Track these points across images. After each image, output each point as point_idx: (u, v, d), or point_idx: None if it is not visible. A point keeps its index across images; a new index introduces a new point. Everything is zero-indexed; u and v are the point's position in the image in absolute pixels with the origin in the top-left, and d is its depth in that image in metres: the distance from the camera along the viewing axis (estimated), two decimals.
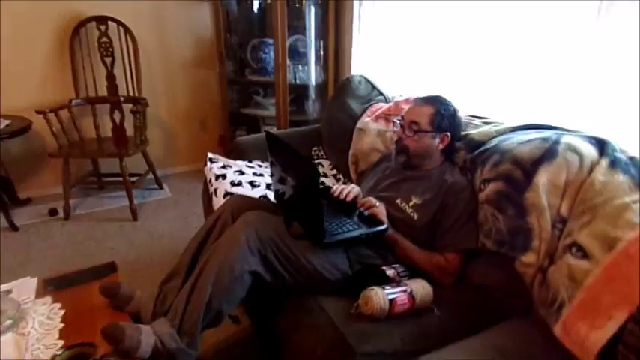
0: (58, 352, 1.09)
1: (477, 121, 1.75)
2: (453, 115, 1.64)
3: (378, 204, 1.55)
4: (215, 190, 1.92)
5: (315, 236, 1.42)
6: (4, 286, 1.50)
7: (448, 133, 1.63)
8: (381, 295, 1.29)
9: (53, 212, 2.95)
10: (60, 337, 1.28)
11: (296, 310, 1.41)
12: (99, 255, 2.49)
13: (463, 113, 1.74)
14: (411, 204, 1.57)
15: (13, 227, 2.78)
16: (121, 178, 2.86)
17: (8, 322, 1.33)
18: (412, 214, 1.56)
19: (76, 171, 3.07)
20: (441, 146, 1.64)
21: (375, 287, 1.32)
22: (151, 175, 3.28)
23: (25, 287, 1.50)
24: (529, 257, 1.35)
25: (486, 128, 1.67)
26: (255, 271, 1.35)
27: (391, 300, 1.30)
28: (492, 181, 1.48)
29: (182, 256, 1.54)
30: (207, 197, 1.97)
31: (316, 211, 1.41)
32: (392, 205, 1.59)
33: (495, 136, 1.59)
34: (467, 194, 1.54)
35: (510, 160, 1.44)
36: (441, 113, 1.61)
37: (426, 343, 1.26)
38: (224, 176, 1.99)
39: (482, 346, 1.24)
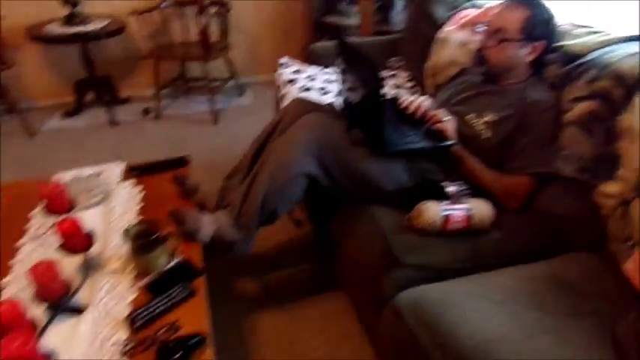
0: (131, 226, 1.22)
1: (578, 30, 1.50)
2: (547, 21, 1.43)
3: (447, 118, 1.45)
4: (284, 95, 1.92)
5: (376, 144, 1.38)
6: (98, 168, 1.68)
7: (540, 43, 1.43)
8: (435, 210, 1.25)
9: (146, 111, 3.20)
10: (137, 215, 1.43)
11: (349, 218, 1.42)
12: (180, 152, 2.68)
13: (562, 19, 1.50)
14: (483, 120, 1.45)
15: (114, 122, 3.07)
16: (204, 82, 2.98)
17: (97, 198, 1.51)
18: (483, 132, 1.44)
19: (165, 74, 3.24)
20: (529, 58, 1.45)
21: (430, 202, 1.28)
22: (233, 82, 3.37)
23: (113, 171, 1.67)
24: (612, 187, 1.21)
25: (588, 38, 1.44)
26: (310, 173, 1.36)
27: (445, 216, 1.25)
28: (584, 99, 1.30)
29: (245, 154, 1.59)
30: (277, 103, 1.98)
31: (380, 119, 1.36)
32: (462, 121, 1.48)
33: (597, 48, 1.37)
34: (550, 114, 1.38)
35: (611, 75, 1.24)
36: (533, 19, 1.40)
37: (478, 263, 1.23)
38: (294, 81, 1.97)
39: (540, 275, 1.18)
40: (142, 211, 1.46)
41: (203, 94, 3.25)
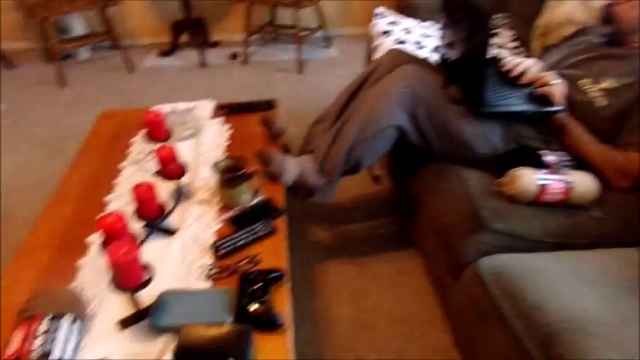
0: (220, 160, 1.27)
1: None
2: None
3: (556, 82, 1.32)
4: (377, 46, 1.86)
5: (473, 103, 1.30)
6: (190, 104, 1.76)
7: None
8: (530, 178, 1.17)
9: (234, 56, 3.27)
10: (225, 151, 1.48)
11: (434, 176, 1.37)
12: (264, 97, 2.73)
13: None
14: (600, 87, 1.30)
15: (203, 64, 3.18)
16: (293, 31, 2.96)
17: (189, 131, 1.58)
18: (598, 100, 1.30)
19: (255, 20, 3.26)
20: None
21: (525, 168, 1.19)
22: (321, 33, 3.32)
23: (205, 107, 1.74)
24: None
25: None
26: (401, 127, 1.32)
27: (542, 186, 1.17)
28: None
29: (334, 102, 1.57)
30: (368, 54, 1.92)
31: (480, 76, 1.27)
32: (574, 86, 1.34)
33: None
34: None
35: None
36: None
37: (572, 239, 1.14)
38: (389, 33, 1.89)
39: None
40: (229, 148, 1.51)
41: (290, 43, 3.24)
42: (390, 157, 1.68)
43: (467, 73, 1.34)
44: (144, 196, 1.11)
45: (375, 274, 1.64)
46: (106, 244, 0.99)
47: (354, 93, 1.53)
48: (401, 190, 1.69)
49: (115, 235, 0.96)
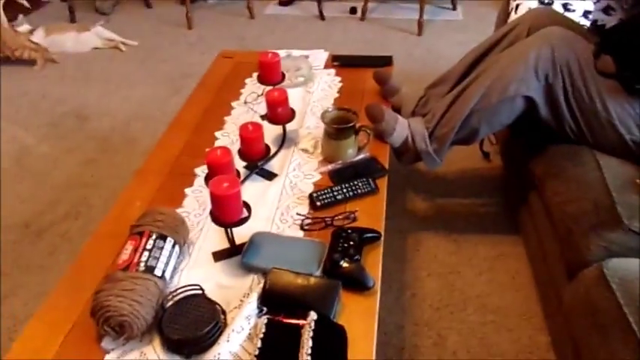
0: (329, 110, 1.23)
1: None
2: None
3: None
4: (517, 5, 1.65)
5: (629, 78, 1.10)
6: (305, 52, 1.73)
7: None
8: None
9: (353, 10, 3.17)
10: (334, 103, 1.44)
11: (563, 158, 1.20)
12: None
13: None
14: None
15: (322, 16, 3.13)
16: None
17: (301, 79, 1.55)
18: None
19: None
20: None
21: None
22: None
23: (318, 57, 1.70)
24: None
25: None
26: (531, 98, 1.17)
27: None
28: None
29: (457, 64, 1.44)
30: (504, 15, 1.72)
31: None
32: None
33: None
34: None
35: None
36: None
37: None
38: None
39: None
40: (339, 100, 1.46)
41: (412, 2, 3.05)
42: (507, 132, 1.51)
43: (627, 43, 1.13)
44: (249, 136, 1.11)
45: (470, 255, 1.53)
46: (209, 177, 1.01)
47: (481, 56, 1.38)
48: (514, 169, 1.53)
49: (219, 169, 0.98)
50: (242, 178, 1.15)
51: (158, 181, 1.18)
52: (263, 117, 1.33)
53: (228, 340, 0.80)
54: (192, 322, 0.81)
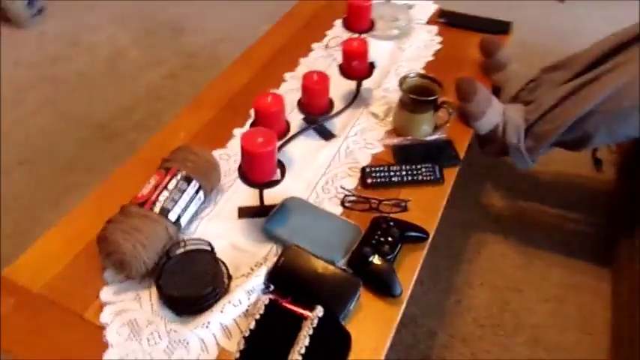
0: (411, 76, 1.04)
1: None
2: None
3: None
4: None
5: None
6: (410, 1, 1.50)
7: None
8: None
9: None
10: (423, 67, 1.24)
11: None
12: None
13: None
14: None
15: None
16: None
17: (395, 31, 1.35)
18: None
19: None
20: None
21: None
22: None
23: (423, 9, 1.47)
24: None
25: None
26: None
27: None
28: None
29: (590, 47, 1.15)
30: None
31: None
32: None
33: None
34: None
35: None
36: None
37: None
38: None
39: None
40: (431, 65, 1.25)
41: None
42: (632, 145, 1.22)
43: None
44: (312, 87, 0.97)
45: (539, 275, 1.31)
46: (254, 123, 0.91)
47: (624, 44, 1.08)
48: (629, 189, 1.25)
49: (265, 119, 0.87)
50: (296, 131, 1.03)
51: (210, 114, 1.10)
52: (339, 67, 1.17)
53: (222, 311, 0.72)
54: (192, 280, 0.74)
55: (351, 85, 1.13)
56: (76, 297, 0.76)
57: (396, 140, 1.04)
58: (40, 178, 1.59)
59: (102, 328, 0.73)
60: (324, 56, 1.29)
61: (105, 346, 0.70)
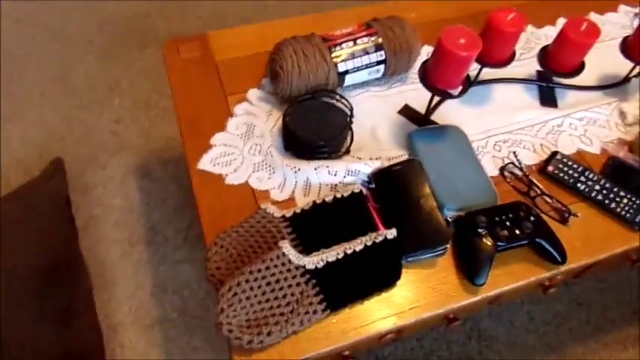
0: None
1: None
2: None
3: None
4: None
5: None
6: None
7: None
8: None
9: None
10: None
11: None
12: None
13: None
14: None
15: None
16: None
17: None
18: None
19: None
20: None
21: None
22: None
23: None
24: None
25: None
26: None
27: None
28: None
29: None
30: None
31: None
32: None
33: None
34: None
35: None
36: None
37: None
38: None
39: None
40: None
41: None
42: None
43: None
44: (505, 29, 0.74)
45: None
46: (483, 35, 0.76)
47: None
48: None
49: (495, 37, 0.73)
50: (521, 78, 0.86)
51: (448, 10, 0.98)
52: None
53: (315, 169, 0.71)
54: (315, 127, 0.73)
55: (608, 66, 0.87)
56: (238, 80, 0.83)
57: (622, 154, 0.79)
58: None
59: (232, 115, 0.79)
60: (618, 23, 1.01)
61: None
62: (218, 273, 0.62)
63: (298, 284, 0.61)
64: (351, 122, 0.75)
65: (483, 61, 0.77)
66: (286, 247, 0.61)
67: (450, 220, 0.68)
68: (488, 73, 0.82)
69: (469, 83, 0.71)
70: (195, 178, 0.72)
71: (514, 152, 0.78)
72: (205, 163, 0.74)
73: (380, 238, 0.64)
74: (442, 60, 0.69)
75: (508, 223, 0.65)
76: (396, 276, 0.64)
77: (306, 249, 0.64)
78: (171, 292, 1.06)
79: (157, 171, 1.24)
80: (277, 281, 0.60)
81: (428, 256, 0.66)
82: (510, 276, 0.66)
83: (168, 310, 1.03)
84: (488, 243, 0.64)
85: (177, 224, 1.15)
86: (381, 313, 0.62)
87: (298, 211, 0.67)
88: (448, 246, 0.66)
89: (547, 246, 0.65)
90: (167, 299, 1.05)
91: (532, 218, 0.66)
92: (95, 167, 1.23)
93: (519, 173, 0.75)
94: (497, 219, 0.66)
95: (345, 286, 0.62)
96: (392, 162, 0.73)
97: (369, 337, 0.61)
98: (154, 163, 1.25)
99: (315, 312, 0.60)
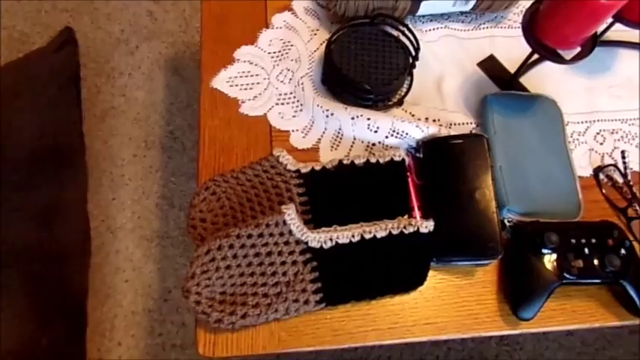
0: None
1: None
2: None
3: None
4: None
5: None
6: None
7: None
8: None
9: None
10: None
11: None
12: None
13: None
14: None
15: None
16: None
17: None
18: None
19: None
20: None
21: None
22: None
23: None
24: None
25: None
26: None
27: None
28: None
29: None
30: None
31: None
32: None
33: None
34: None
35: None
36: None
37: None
38: None
39: None
40: None
41: None
42: None
43: None
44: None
45: None
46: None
47: None
48: None
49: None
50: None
51: None
52: None
53: (353, 118, 0.55)
54: (364, 66, 0.56)
55: None
56: None
57: None
58: None
59: (268, 25, 0.63)
60: None
61: None
62: (201, 226, 0.50)
63: (294, 263, 0.48)
64: (413, 66, 0.57)
65: (620, 15, 0.55)
66: (290, 213, 0.48)
67: (507, 224, 0.52)
68: (616, 32, 0.60)
69: (593, 45, 0.50)
70: (204, 96, 0.58)
71: (622, 151, 0.58)
72: (221, 82, 0.59)
73: (411, 229, 0.49)
74: (566, 5, 0.48)
75: (587, 251, 0.48)
76: (419, 281, 0.50)
77: (314, 219, 0.51)
78: (177, 208, 0.97)
79: (188, 69, 1.10)
80: (269, 254, 0.48)
81: (467, 263, 0.51)
82: (569, 315, 0.50)
83: (171, 226, 0.96)
84: (553, 271, 0.48)
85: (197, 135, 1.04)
86: (385, 322, 0.49)
87: (318, 168, 0.53)
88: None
89: (633, 294, 0.49)
90: (172, 214, 0.97)
91: (623, 251, 0.49)
92: (124, 51, 1.11)
93: (621, 180, 0.56)
94: (573, 241, 0.49)
95: (351, 278, 0.49)
96: (452, 131, 0.56)
97: (365, 345, 0.49)
98: (187, 58, 1.11)
99: (306, 302, 0.48)
